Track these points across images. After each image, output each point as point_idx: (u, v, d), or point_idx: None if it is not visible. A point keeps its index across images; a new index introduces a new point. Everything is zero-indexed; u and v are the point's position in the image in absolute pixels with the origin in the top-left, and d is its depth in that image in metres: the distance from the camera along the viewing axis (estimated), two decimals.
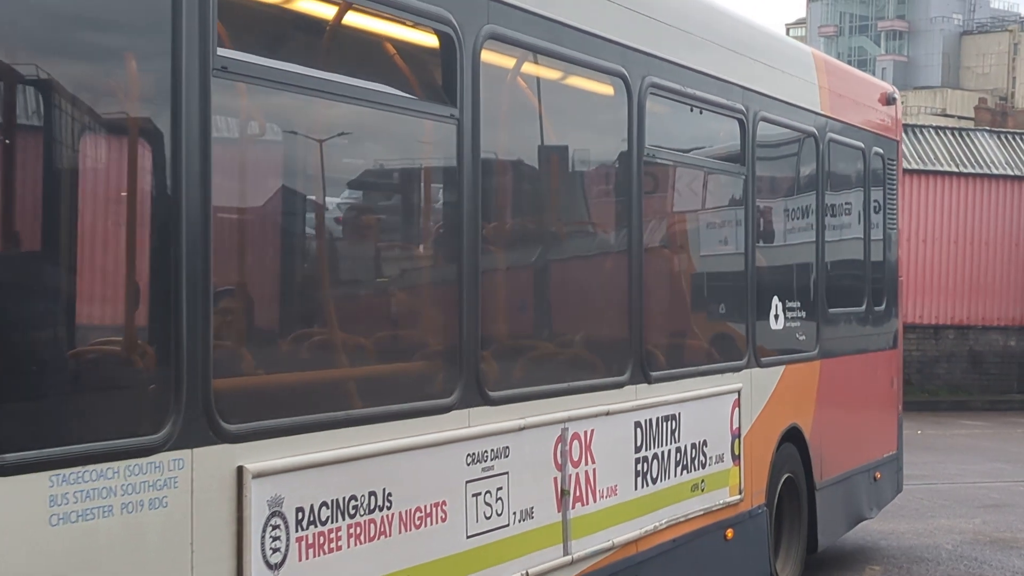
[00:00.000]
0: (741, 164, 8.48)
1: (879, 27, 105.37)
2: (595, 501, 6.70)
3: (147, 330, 4.41)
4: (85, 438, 4.01)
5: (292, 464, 4.74)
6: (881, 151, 10.92)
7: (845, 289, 10.33)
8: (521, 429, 6.08)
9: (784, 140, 9.36)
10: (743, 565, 8.47)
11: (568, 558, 6.45)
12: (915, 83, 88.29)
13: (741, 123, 8.42)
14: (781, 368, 8.99)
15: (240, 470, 4.51)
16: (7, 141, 3.96)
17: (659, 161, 7.52)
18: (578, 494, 6.54)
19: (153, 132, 4.36)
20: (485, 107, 5.79)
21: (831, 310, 9.83)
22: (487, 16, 5.84)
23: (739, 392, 8.27)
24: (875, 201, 10.88)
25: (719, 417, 8.08)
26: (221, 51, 4.47)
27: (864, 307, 10.60)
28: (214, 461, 4.42)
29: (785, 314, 9.10)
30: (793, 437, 9.24)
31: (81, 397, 4.16)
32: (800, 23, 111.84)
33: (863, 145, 10.55)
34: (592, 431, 6.65)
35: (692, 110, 7.96)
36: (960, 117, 54.74)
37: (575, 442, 6.51)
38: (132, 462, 4.11)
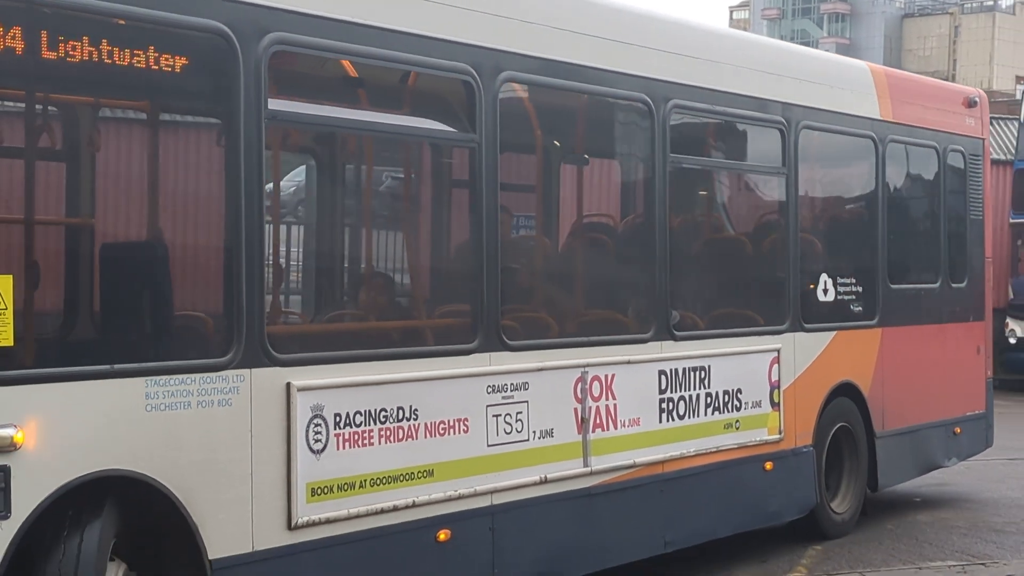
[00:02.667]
0: (782, 164, 10.34)
1: (822, 10, 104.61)
2: (616, 428, 8.71)
3: (220, 289, 6.68)
4: (174, 358, 6.32)
5: (331, 383, 6.94)
6: (961, 148, 12.53)
7: (913, 268, 12.01)
8: (539, 370, 8.16)
9: (835, 143, 11.15)
10: (786, 492, 10.30)
11: (587, 469, 8.49)
12: None
13: (782, 132, 10.29)
14: (831, 333, 10.78)
15: (288, 385, 6.74)
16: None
17: (688, 165, 9.52)
18: (598, 421, 8.58)
19: (226, 161, 6.64)
20: (502, 133, 7.92)
21: (894, 286, 11.53)
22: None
23: (778, 351, 10.14)
24: (955, 192, 12.51)
25: (756, 371, 9.96)
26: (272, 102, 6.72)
27: (939, 284, 12.24)
28: (268, 377, 6.66)
29: (836, 288, 10.89)
30: (847, 392, 11.01)
31: (173, 331, 6.49)
32: (744, 6, 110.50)
33: (936, 144, 12.20)
34: (613, 375, 8.67)
35: (725, 123, 9.91)
36: None
37: (595, 383, 8.55)
38: (205, 375, 6.39)
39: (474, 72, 7.72)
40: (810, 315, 10.55)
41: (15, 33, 5.64)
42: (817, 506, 10.66)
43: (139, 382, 6.13)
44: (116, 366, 6.05)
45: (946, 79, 75.85)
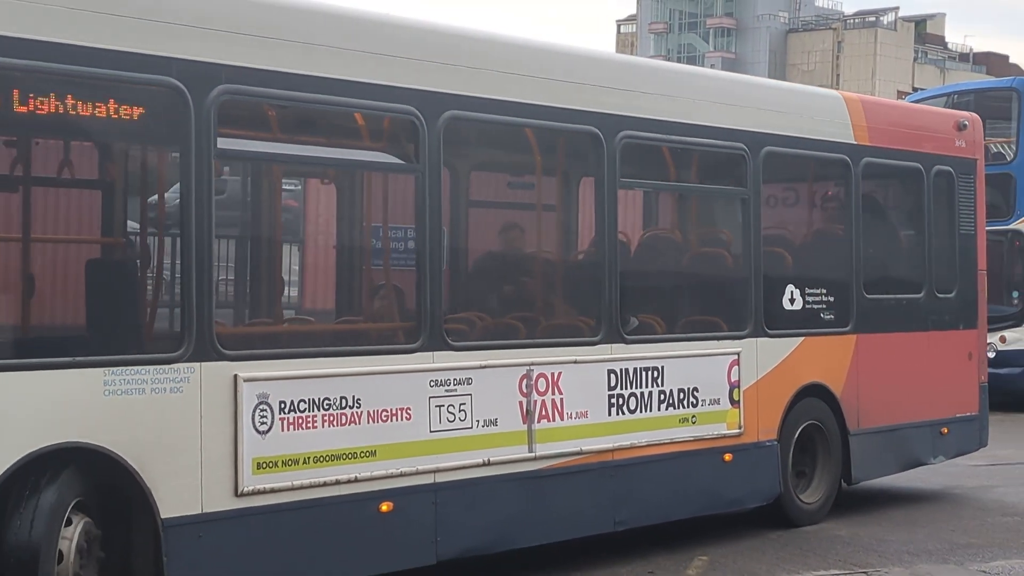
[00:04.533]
0: (743, 186, 11.46)
1: (708, 24, 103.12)
2: (562, 420, 9.91)
3: (175, 294, 8.10)
4: (130, 352, 7.74)
5: (276, 375, 8.29)
6: (949, 167, 13.48)
7: (892, 279, 13.01)
8: (482, 367, 9.42)
9: (803, 165, 12.24)
10: (748, 481, 11.38)
11: (532, 455, 9.70)
12: None
13: (744, 156, 11.42)
14: (798, 339, 11.85)
15: (235, 376, 8.11)
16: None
17: (642, 186, 10.77)
18: (544, 413, 9.79)
19: (182, 190, 8.06)
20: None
21: (870, 296, 12.54)
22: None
23: (739, 354, 11.25)
24: (942, 208, 13.47)
25: (714, 371, 11.08)
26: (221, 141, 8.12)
27: (923, 294, 13.20)
28: (216, 370, 8.04)
29: (804, 298, 11.96)
30: (817, 392, 12.06)
31: (131, 330, 7.92)
32: (631, 20, 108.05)
33: (920, 164, 13.18)
34: (559, 373, 9.89)
35: (684, 149, 11.09)
36: None
37: (541, 379, 9.77)
38: (159, 367, 7.79)
39: (417, 112, 9.04)
40: (774, 322, 11.62)
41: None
42: (782, 495, 11.72)
43: (98, 372, 7.54)
44: (76, 358, 7.48)
45: None
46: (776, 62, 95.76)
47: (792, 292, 11.89)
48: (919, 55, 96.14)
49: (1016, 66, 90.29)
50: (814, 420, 12.11)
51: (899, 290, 13.11)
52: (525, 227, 10.63)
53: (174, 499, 7.80)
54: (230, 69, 8.10)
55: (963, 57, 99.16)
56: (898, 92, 65.85)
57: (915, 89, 66.36)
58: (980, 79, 63.06)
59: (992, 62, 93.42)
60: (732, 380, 11.22)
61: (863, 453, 12.50)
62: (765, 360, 11.55)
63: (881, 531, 11.88)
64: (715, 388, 11.09)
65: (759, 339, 11.49)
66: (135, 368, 7.69)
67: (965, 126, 13.78)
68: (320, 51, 8.58)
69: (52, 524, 7.23)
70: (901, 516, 12.62)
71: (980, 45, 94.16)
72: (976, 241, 13.93)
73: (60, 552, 7.30)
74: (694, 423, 10.92)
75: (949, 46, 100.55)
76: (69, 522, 7.41)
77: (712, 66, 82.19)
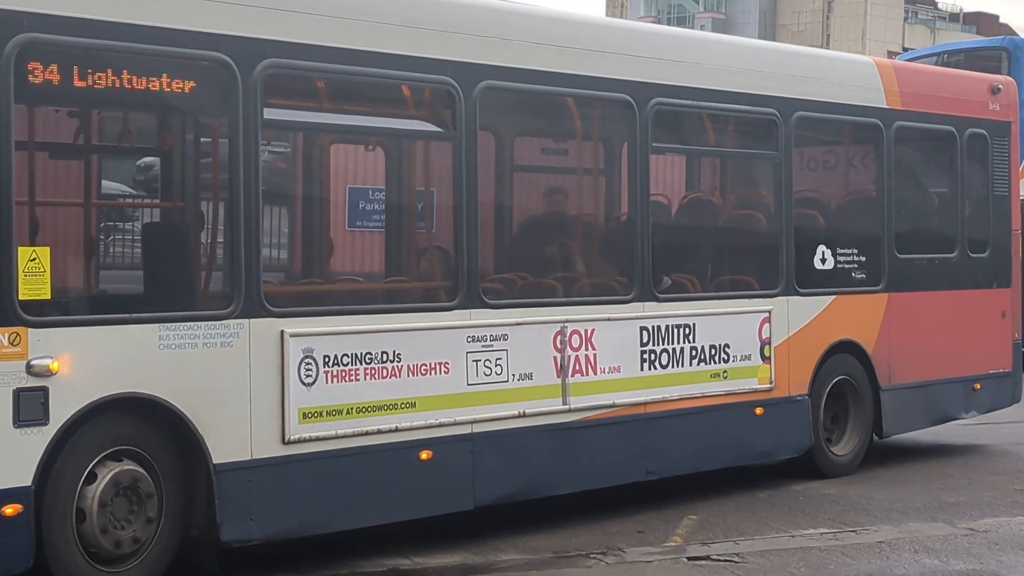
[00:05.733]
0: (775, 150, 11.91)
1: None
2: (595, 374, 10.44)
3: (225, 256, 8.68)
4: (184, 309, 8.33)
5: (319, 331, 8.85)
6: (983, 130, 13.83)
7: (925, 239, 13.42)
8: (518, 324, 9.94)
9: (835, 128, 12.67)
10: (778, 434, 11.86)
11: (566, 407, 10.23)
12: None
13: (775, 120, 11.85)
14: (829, 298, 12.29)
15: (282, 332, 8.68)
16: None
17: (673, 149, 11.27)
18: (578, 368, 10.31)
19: (228, 154, 8.63)
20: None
21: (902, 255, 12.95)
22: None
23: (770, 312, 11.71)
24: (976, 170, 13.84)
25: (746, 328, 11.55)
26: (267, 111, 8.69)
27: (956, 254, 13.58)
28: (264, 326, 8.61)
29: (836, 257, 12.40)
30: (849, 348, 12.50)
31: (184, 288, 8.52)
32: None
33: (953, 127, 13.55)
34: (593, 330, 10.40)
35: (715, 114, 11.55)
36: None
37: (575, 336, 10.28)
38: (209, 323, 8.37)
39: (454, 82, 9.56)
40: (805, 281, 12.06)
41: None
42: (813, 448, 12.19)
43: (154, 327, 8.14)
44: (133, 314, 8.09)
45: None
46: (766, 23, 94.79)
47: (824, 252, 12.32)
48: (909, 15, 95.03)
49: (1006, 26, 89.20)
50: (845, 375, 12.55)
51: (932, 250, 13.51)
52: (562, 191, 11.16)
53: (225, 446, 8.39)
54: (275, 44, 8.66)
55: (953, 17, 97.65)
56: (888, 52, 65.43)
57: (905, 49, 65.80)
58: (970, 39, 62.40)
59: (982, 22, 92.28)
60: (763, 337, 11.68)
61: (894, 408, 12.93)
62: (796, 318, 11.99)
63: (870, 490, 12.01)
64: (746, 344, 11.56)
65: (790, 297, 11.93)
66: (188, 324, 8.27)
67: (999, 89, 14.11)
68: (360, 25, 9.12)
69: (68, 490, 7.80)
70: (890, 475, 12.76)
71: (970, 5, 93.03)
72: (1010, 202, 14.27)
73: (83, 511, 7.87)
74: (725, 378, 11.40)
75: (939, 6, 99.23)
76: (93, 478, 7.94)
77: (702, 27, 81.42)
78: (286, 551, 9.11)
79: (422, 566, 9.18)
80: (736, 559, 9.45)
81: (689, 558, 9.50)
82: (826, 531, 10.40)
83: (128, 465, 8.07)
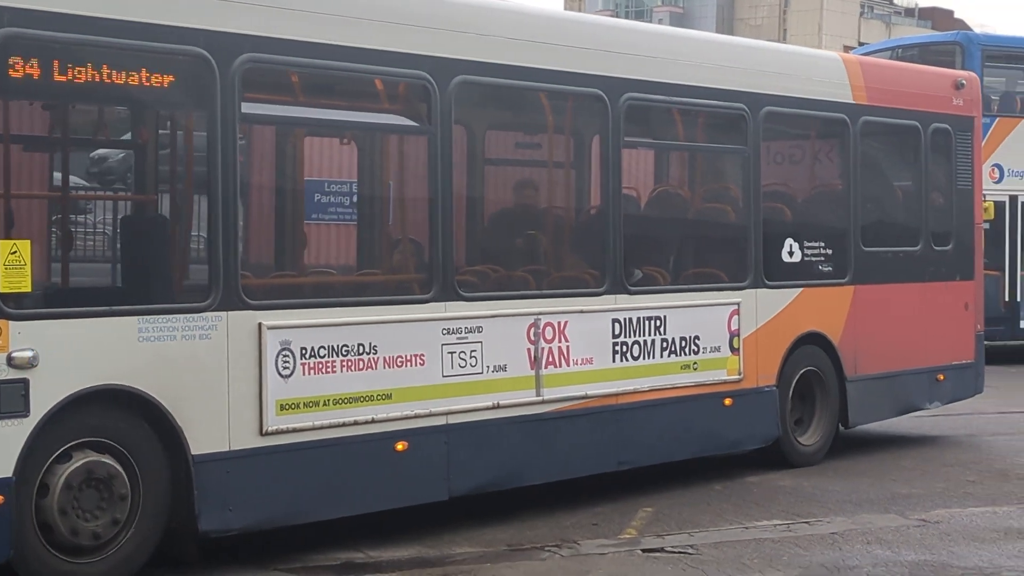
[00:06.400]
0: (743, 144, 12.04)
1: None
2: (568, 366, 10.54)
3: (203, 249, 8.75)
4: (162, 301, 8.39)
5: (297, 324, 8.93)
6: (946, 125, 14.02)
7: (889, 232, 13.59)
8: (493, 316, 10.04)
9: (803, 123, 12.82)
10: (747, 424, 12.00)
11: (540, 398, 10.33)
12: None
13: (744, 116, 11.98)
14: (796, 290, 12.44)
15: (259, 324, 8.75)
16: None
17: (645, 143, 11.38)
18: (551, 360, 10.41)
19: (206, 148, 8.68)
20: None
21: (867, 248, 13.12)
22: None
23: (738, 304, 11.85)
24: (939, 164, 14.02)
25: (715, 320, 11.68)
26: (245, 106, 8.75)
27: (920, 247, 13.77)
28: (242, 319, 8.68)
29: (803, 250, 12.55)
30: (816, 340, 12.66)
31: (164, 281, 8.57)
32: None
33: (917, 122, 13.72)
34: (565, 322, 10.50)
35: (684, 109, 11.67)
36: None
37: (548, 328, 10.39)
38: (188, 315, 8.43)
39: (429, 77, 9.64)
40: (773, 274, 12.21)
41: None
42: (781, 438, 12.35)
43: (133, 320, 8.19)
44: (113, 307, 8.15)
45: None
46: (724, 17, 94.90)
47: (791, 245, 12.47)
48: (865, 10, 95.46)
49: (961, 21, 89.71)
50: (812, 367, 12.71)
51: (896, 243, 13.68)
52: (535, 184, 11.27)
53: (203, 437, 8.46)
54: (253, 39, 8.72)
55: (909, 12, 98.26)
56: (844, 47, 65.87)
57: (861, 44, 65.98)
58: (926, 33, 62.81)
59: (938, 17, 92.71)
60: (732, 329, 11.82)
61: (860, 398, 13.11)
62: (764, 310, 12.14)
63: (824, 481, 12.09)
64: (716, 336, 11.69)
65: (759, 290, 12.08)
66: (167, 316, 8.33)
67: (963, 85, 14.29)
68: (337, 21, 9.18)
69: (39, 459, 7.80)
70: (845, 467, 12.82)
71: (926, 0, 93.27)
72: (974, 196, 14.46)
73: (46, 485, 7.87)
74: (695, 369, 11.53)
75: (894, 1, 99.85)
76: (68, 458, 7.96)
77: (660, 21, 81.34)
78: (241, 543, 9.12)
79: (376, 559, 9.23)
80: (690, 551, 9.53)
81: (644, 550, 9.57)
82: (780, 523, 10.45)
83: (107, 459, 8.09)
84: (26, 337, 7.68)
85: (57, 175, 9.04)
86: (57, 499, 7.90)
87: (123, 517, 8.17)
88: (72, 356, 7.87)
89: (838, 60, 13.39)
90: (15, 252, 7.65)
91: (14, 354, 7.63)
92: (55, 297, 8.41)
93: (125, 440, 8.18)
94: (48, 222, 8.51)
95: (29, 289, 7.74)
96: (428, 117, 9.72)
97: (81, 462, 7.98)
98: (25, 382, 7.69)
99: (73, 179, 9.28)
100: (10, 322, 7.61)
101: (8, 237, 7.76)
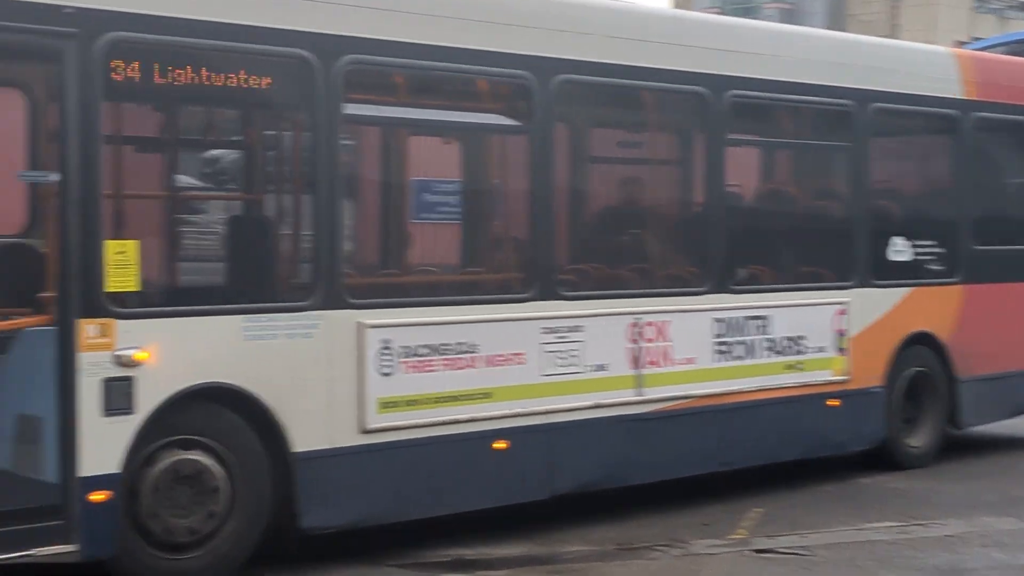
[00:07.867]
0: (851, 141, 11.92)
1: None
2: (669, 365, 10.51)
3: (306, 248, 8.86)
4: (266, 301, 8.51)
5: (397, 323, 9.00)
6: None
7: (1003, 230, 13.37)
8: (593, 316, 10.04)
9: (911, 119, 12.65)
10: (853, 426, 11.88)
11: (640, 398, 10.33)
12: None
13: (852, 112, 11.86)
14: (905, 289, 12.30)
15: (359, 324, 8.84)
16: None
17: (749, 143, 11.33)
18: (652, 359, 10.39)
19: (310, 149, 8.79)
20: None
21: (979, 247, 12.92)
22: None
23: (845, 304, 11.74)
24: None
25: (821, 320, 11.58)
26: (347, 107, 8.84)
27: None
28: (343, 317, 8.77)
29: (912, 250, 12.39)
30: (924, 340, 12.49)
31: (268, 280, 8.70)
32: None
33: None
34: (667, 321, 10.48)
35: (788, 106, 11.58)
36: None
37: (649, 327, 10.37)
38: (290, 315, 8.54)
39: (531, 76, 9.67)
40: (881, 273, 12.08)
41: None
42: (888, 440, 12.21)
43: (237, 318, 8.32)
44: (218, 306, 8.28)
45: None
46: (835, 13, 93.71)
47: (899, 244, 12.33)
48: (978, 4, 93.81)
49: None
50: (921, 367, 12.55)
51: (1008, 241, 13.47)
52: (637, 182, 11.25)
53: (305, 435, 8.56)
54: (355, 40, 8.80)
55: (1022, 6, 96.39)
56: (956, 41, 64.86)
57: (974, 39, 64.69)
58: None
59: None
60: (838, 329, 11.71)
61: (971, 399, 12.92)
62: (871, 310, 12.01)
63: (938, 483, 11.93)
64: (821, 336, 11.59)
65: (865, 289, 11.95)
66: (270, 315, 8.45)
67: None
68: (439, 21, 9.24)
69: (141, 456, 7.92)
70: (958, 469, 12.62)
71: None
72: None
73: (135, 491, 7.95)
74: (800, 370, 11.45)
75: None
76: (153, 461, 8.04)
77: (768, 17, 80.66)
78: (352, 540, 9.18)
79: (486, 556, 9.28)
80: (802, 552, 9.47)
81: (755, 551, 9.54)
82: (893, 524, 10.31)
83: (193, 455, 8.16)
84: (133, 336, 7.83)
85: (165, 176, 9.18)
86: (149, 496, 8.01)
87: (219, 510, 8.25)
88: (178, 355, 8.01)
89: (949, 55, 13.22)
90: (122, 252, 7.81)
91: (121, 352, 7.78)
92: (162, 296, 8.55)
93: (222, 437, 8.28)
94: (154, 222, 8.67)
95: (136, 288, 7.89)
96: (530, 116, 9.75)
97: (168, 463, 8.04)
98: (132, 380, 7.84)
99: (180, 179, 9.40)
100: (117, 321, 7.77)
101: (116, 237, 7.93)
